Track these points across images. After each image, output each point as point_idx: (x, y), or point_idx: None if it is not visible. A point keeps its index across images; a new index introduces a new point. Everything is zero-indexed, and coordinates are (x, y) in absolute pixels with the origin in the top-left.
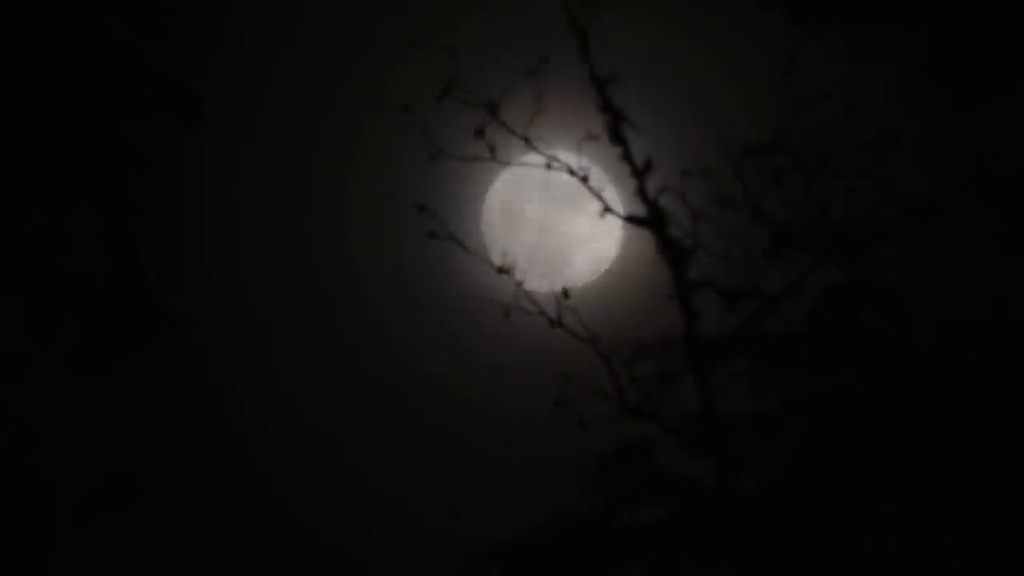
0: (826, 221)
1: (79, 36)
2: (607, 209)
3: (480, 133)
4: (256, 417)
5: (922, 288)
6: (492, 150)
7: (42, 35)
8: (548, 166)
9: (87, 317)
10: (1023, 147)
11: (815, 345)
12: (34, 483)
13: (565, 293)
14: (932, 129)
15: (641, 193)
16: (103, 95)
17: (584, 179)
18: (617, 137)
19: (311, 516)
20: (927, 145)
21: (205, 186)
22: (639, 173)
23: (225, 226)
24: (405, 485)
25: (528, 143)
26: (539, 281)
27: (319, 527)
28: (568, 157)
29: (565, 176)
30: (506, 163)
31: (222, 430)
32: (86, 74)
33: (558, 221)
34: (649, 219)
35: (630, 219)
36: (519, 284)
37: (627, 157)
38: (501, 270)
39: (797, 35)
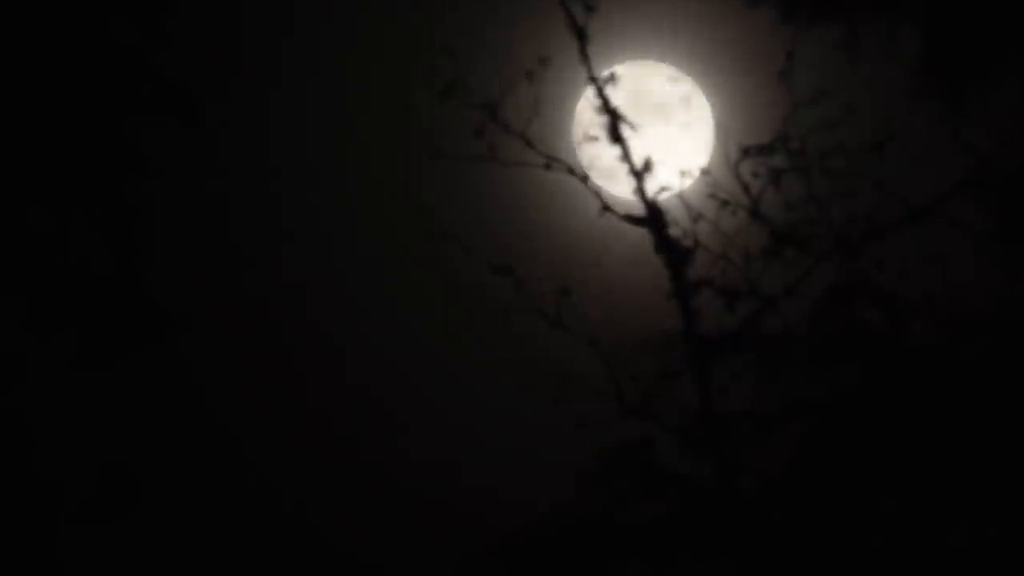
0: (825, 221)
1: (80, 36)
2: (605, 209)
3: (480, 133)
4: (255, 418)
5: (921, 287)
6: (492, 150)
7: (43, 35)
8: (547, 166)
9: (87, 317)
10: (1019, 145)
11: (815, 345)
12: (35, 483)
13: (565, 292)
14: (929, 127)
15: (640, 193)
16: (103, 95)
17: (584, 179)
18: (616, 137)
19: (308, 517)
20: (925, 144)
21: (205, 186)
22: (638, 173)
23: (225, 226)
24: (403, 485)
25: (527, 143)
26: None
27: (315, 528)
28: (567, 157)
29: (655, 87)
30: (506, 163)
31: (222, 431)
32: (86, 74)
33: (645, 131)
34: (648, 219)
35: (629, 219)
36: (519, 284)
37: (626, 157)
38: (500, 270)
39: (793, 34)
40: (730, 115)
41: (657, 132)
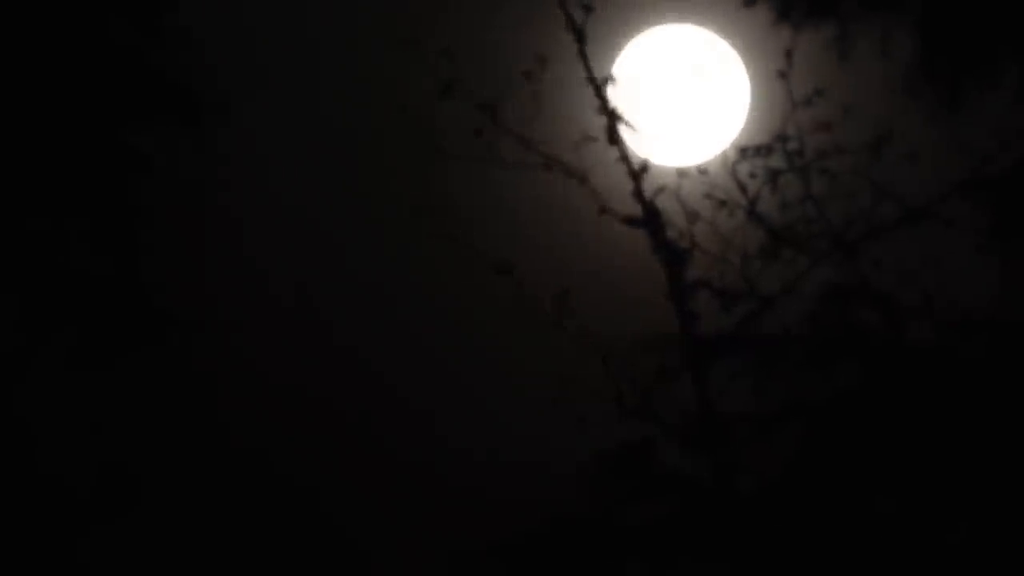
0: (823, 221)
1: (79, 37)
2: (603, 210)
3: (479, 133)
4: (255, 418)
5: (919, 287)
6: (492, 150)
7: (42, 36)
8: (545, 166)
9: (87, 317)
10: (1016, 144)
11: (813, 345)
12: (34, 484)
13: (565, 292)
14: (925, 127)
15: (638, 194)
16: (104, 96)
17: (582, 180)
18: (614, 138)
19: (307, 517)
20: (921, 143)
21: (205, 187)
22: (635, 174)
23: (225, 226)
24: (401, 485)
25: (526, 144)
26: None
27: (313, 528)
28: (566, 157)
29: (692, 51)
30: (505, 163)
31: (222, 431)
32: (87, 75)
33: (681, 95)
34: (645, 220)
35: (627, 220)
36: (519, 284)
37: (624, 158)
38: (500, 271)
39: (791, 33)
40: (728, 114)
41: (695, 95)
